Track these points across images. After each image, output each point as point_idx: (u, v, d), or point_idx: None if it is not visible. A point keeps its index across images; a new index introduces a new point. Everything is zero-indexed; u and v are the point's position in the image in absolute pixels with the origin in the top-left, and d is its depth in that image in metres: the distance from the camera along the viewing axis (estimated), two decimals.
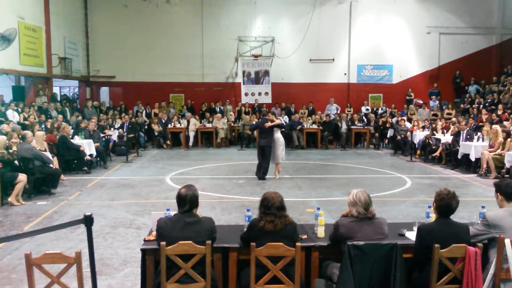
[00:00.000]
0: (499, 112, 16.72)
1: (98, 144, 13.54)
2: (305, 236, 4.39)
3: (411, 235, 4.36)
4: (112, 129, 16.80)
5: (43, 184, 9.95)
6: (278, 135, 11.72)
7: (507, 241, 3.86)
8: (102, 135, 14.88)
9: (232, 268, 4.21)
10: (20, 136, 10.09)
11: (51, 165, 10.12)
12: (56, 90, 22.32)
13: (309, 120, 19.76)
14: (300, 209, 8.38)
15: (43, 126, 13.97)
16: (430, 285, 3.85)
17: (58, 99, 19.64)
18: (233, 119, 20.13)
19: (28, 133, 10.14)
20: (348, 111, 21.70)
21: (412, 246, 4.11)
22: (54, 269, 3.56)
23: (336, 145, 19.04)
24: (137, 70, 22.33)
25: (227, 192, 10.16)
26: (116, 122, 17.95)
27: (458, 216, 4.12)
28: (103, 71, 22.54)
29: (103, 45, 22.36)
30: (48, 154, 10.39)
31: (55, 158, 11.05)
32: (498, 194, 4.23)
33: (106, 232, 7.09)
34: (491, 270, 3.93)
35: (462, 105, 21.28)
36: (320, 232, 4.44)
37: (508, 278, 3.89)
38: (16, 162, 9.35)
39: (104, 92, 23.71)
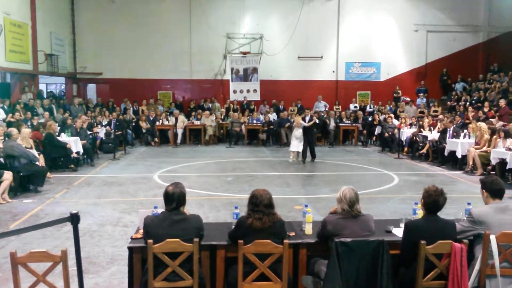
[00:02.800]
0: (485, 110, 16.90)
1: (85, 141, 13.44)
2: (293, 233, 4.40)
3: (398, 232, 4.40)
4: (99, 126, 16.68)
5: (29, 182, 9.85)
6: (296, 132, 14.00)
7: (492, 237, 3.89)
8: (89, 132, 14.76)
9: (219, 265, 4.21)
10: (5, 134, 9.97)
11: (37, 163, 10.02)
12: (42, 87, 22.13)
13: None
14: (288, 207, 8.39)
15: (29, 123, 13.82)
16: (416, 281, 3.88)
17: (45, 96, 19.44)
18: (221, 117, 20.10)
19: (14, 130, 10.03)
20: (336, 108, 21.78)
21: (399, 243, 4.13)
22: (40, 267, 3.53)
23: (325, 142, 19.10)
24: (124, 67, 22.20)
25: (215, 189, 10.14)
26: (104, 119, 17.83)
27: (444, 213, 4.16)
28: (90, 68, 22.39)
29: (90, 42, 22.19)
30: (34, 152, 10.27)
31: (41, 155, 10.93)
32: (484, 191, 4.27)
33: (93, 230, 7.05)
34: (477, 266, 3.98)
35: (448, 103, 21.48)
36: (308, 229, 4.45)
37: (493, 274, 3.94)
38: (1, 159, 9.25)
39: (91, 89, 23.53)
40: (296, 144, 14.09)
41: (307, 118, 14.24)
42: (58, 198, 9.23)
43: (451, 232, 3.99)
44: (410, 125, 17.06)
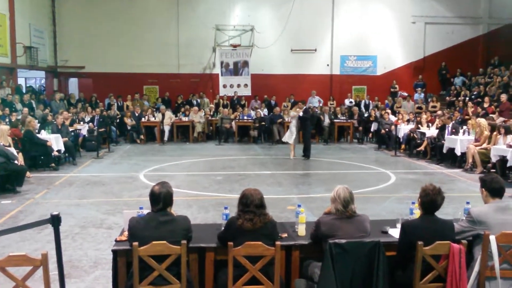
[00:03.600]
0: (485, 105, 17.03)
1: (66, 139, 13.36)
2: (285, 235, 4.41)
3: (395, 233, 4.42)
4: (81, 123, 16.59)
5: (7, 181, 9.76)
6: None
7: (492, 238, 3.92)
8: (71, 129, 14.68)
9: (208, 269, 4.22)
10: None
11: (15, 162, 9.96)
12: (21, 81, 21.95)
13: (291, 112, 19.80)
14: (281, 207, 8.41)
15: (7, 120, 13.72)
16: (413, 283, 3.91)
17: (24, 91, 19.30)
18: (210, 113, 20.07)
19: None
20: (331, 104, 21.83)
21: (395, 244, 4.16)
22: (20, 272, 3.51)
23: (319, 139, 19.14)
24: (108, 60, 22.06)
25: (204, 189, 10.15)
26: (86, 115, 17.75)
27: (443, 212, 4.20)
28: (71, 61, 22.23)
29: (71, 34, 22.02)
30: (12, 150, 10.20)
31: (20, 154, 10.87)
32: (483, 189, 4.30)
33: (75, 233, 7.02)
34: (476, 268, 4.01)
35: (447, 98, 21.62)
36: (301, 230, 4.46)
37: (493, 276, 3.97)
38: None
39: (73, 83, 23.40)
40: (287, 135, 14.66)
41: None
42: (38, 199, 9.18)
43: (450, 233, 4.02)
44: (408, 121, 17.15)
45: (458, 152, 12.76)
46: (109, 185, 10.46)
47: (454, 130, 13.57)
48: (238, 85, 22.44)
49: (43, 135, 12.76)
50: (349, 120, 19.44)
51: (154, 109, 19.86)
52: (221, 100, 21.40)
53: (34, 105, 17.36)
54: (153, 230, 3.85)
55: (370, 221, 4.17)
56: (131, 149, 16.75)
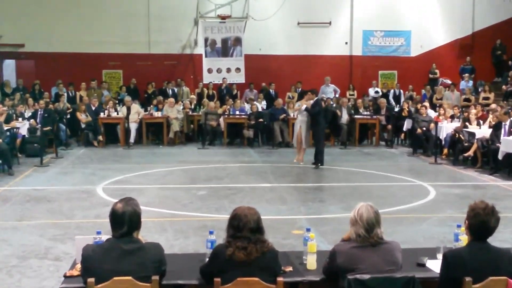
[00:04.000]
0: None
1: (0, 140, 13.35)
2: (290, 268, 4.40)
3: (434, 265, 4.43)
4: (20, 119, 16.55)
5: None
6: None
7: None
8: (6, 128, 14.66)
9: None
10: None
11: None
12: None
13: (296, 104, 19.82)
14: (284, 231, 8.43)
15: None
16: None
17: None
18: (191, 106, 20.05)
19: None
20: (350, 94, 21.86)
21: (436, 280, 4.16)
22: None
23: (334, 141, 19.16)
24: (55, 36, 22.05)
25: (183, 207, 10.15)
26: (27, 109, 17.71)
27: (498, 239, 4.22)
28: (7, 38, 22.19)
29: (7, 2, 22.00)
30: None
31: None
32: None
33: (12, 265, 7.00)
34: None
35: (504, 87, 21.65)
36: (311, 262, 4.46)
37: None
38: None
39: (9, 67, 23.36)
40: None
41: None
42: None
43: (506, 265, 4.02)
44: (452, 117, 17.18)
45: None
46: (57, 202, 10.43)
47: None
48: (228, 70, 22.46)
49: None
50: (374, 116, 19.44)
51: (117, 101, 19.85)
52: (205, 90, 21.41)
53: None
54: (115, 262, 3.84)
55: (402, 250, 4.18)
56: (86, 154, 16.74)
